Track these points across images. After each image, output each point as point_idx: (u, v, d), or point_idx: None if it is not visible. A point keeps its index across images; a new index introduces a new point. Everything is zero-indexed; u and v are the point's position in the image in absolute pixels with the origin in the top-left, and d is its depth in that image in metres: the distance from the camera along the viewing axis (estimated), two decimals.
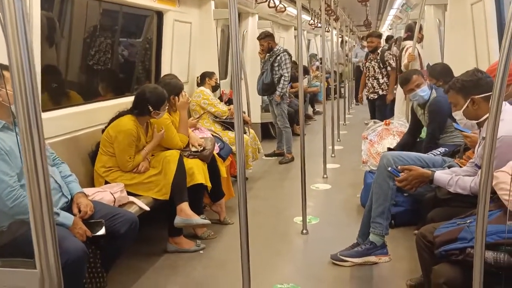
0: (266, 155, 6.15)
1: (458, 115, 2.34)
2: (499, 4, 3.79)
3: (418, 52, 5.85)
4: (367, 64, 6.31)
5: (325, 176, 5.12)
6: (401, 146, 3.77)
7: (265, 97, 6.44)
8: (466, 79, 2.29)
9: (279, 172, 5.53)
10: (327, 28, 7.80)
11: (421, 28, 5.94)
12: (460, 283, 1.80)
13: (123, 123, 3.14)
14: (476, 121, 2.30)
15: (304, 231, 3.60)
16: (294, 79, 8.24)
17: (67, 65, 3.69)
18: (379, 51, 6.24)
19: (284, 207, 4.24)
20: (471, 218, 1.97)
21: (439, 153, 3.03)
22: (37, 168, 1.00)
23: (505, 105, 2.26)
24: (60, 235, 2.12)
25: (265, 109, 7.02)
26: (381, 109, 6.19)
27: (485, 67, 3.00)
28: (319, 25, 8.14)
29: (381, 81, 6.17)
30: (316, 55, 12.65)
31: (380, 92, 6.18)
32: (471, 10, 4.26)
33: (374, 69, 6.19)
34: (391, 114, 5.89)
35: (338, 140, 7.13)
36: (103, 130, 3.22)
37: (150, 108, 3.18)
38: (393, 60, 6.11)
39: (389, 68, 6.07)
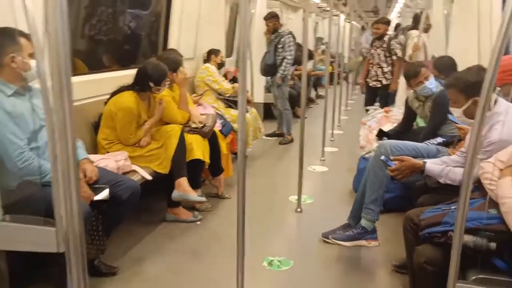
0: (267, 135, 6.25)
1: (456, 112, 2.40)
2: None
3: (424, 43, 5.89)
4: (372, 51, 6.11)
5: (322, 158, 5.24)
6: (395, 133, 3.85)
7: (269, 78, 6.50)
8: (471, 79, 2.28)
9: (278, 152, 5.65)
10: (335, 12, 7.81)
11: (428, 18, 5.96)
12: (440, 263, 1.92)
13: (124, 100, 3.18)
14: (474, 120, 2.36)
15: (299, 210, 3.73)
16: (298, 62, 8.30)
17: (73, 34, 3.74)
18: (385, 38, 6.01)
19: (281, 186, 4.36)
20: (456, 204, 2.08)
21: (436, 143, 3.11)
22: (66, 128, 1.09)
23: (505, 105, 2.32)
24: None
25: (268, 89, 7.09)
26: (384, 98, 6.08)
27: (487, 60, 3.04)
28: (328, 8, 8.15)
29: (385, 69, 5.98)
30: (322, 38, 12.63)
31: (384, 82, 5.99)
32: (477, 2, 4.30)
33: (379, 57, 5.99)
34: (392, 103, 5.94)
35: (339, 124, 7.22)
36: (105, 103, 3.26)
37: (151, 84, 3.22)
38: (400, 49, 6.01)
39: (394, 57, 5.90)
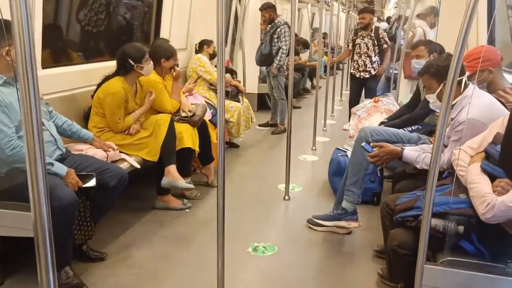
0: (260, 125, 6.32)
1: (431, 98, 2.48)
2: None
3: (424, 33, 5.90)
4: (358, 40, 5.97)
5: (313, 148, 5.31)
6: (395, 116, 3.88)
7: (263, 68, 6.55)
8: (441, 64, 2.41)
9: (270, 142, 5.71)
10: (329, 2, 7.84)
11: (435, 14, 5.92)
12: (411, 245, 1.99)
13: (111, 85, 3.24)
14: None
15: (287, 197, 3.81)
16: (294, 52, 8.33)
17: (65, 24, 3.79)
18: (373, 27, 5.95)
19: (271, 174, 4.43)
20: None
21: (411, 129, 3.19)
22: (32, 121, 1.14)
23: (474, 89, 2.41)
24: (53, 184, 2.34)
25: (262, 80, 7.14)
26: (372, 88, 6.03)
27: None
28: None
29: (373, 59, 5.91)
30: (318, 29, 12.63)
31: (372, 72, 5.92)
32: None
33: (367, 46, 5.89)
34: (375, 93, 5.95)
35: (332, 115, 7.28)
36: (92, 95, 3.32)
37: (131, 61, 3.24)
38: (387, 37, 5.96)
39: (385, 46, 5.88)
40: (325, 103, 6.46)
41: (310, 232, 3.22)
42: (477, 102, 2.32)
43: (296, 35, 9.34)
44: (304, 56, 9.68)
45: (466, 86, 2.37)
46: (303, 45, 8.89)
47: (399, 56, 6.55)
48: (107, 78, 3.30)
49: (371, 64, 5.92)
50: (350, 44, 6.16)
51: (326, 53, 8.65)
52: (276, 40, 5.75)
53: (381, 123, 3.98)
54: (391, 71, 6.75)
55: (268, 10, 5.81)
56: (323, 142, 5.69)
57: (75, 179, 2.53)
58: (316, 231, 3.22)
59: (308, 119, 6.04)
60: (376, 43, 5.87)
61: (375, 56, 5.91)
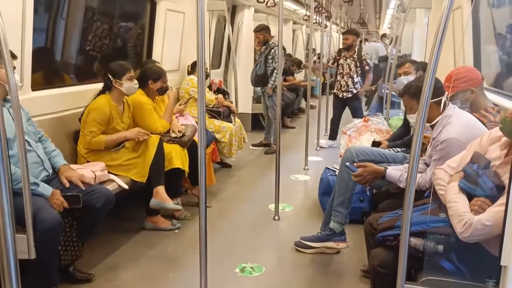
0: (253, 145, 6.35)
1: (412, 118, 2.52)
2: (475, 12, 3.96)
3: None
4: (341, 61, 6.12)
5: (306, 167, 5.33)
6: (393, 138, 3.93)
7: (257, 89, 6.61)
8: (420, 84, 2.44)
9: (263, 162, 5.73)
10: (319, 23, 7.97)
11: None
12: (391, 265, 1.99)
13: (96, 101, 3.28)
14: (429, 124, 2.48)
15: (276, 218, 3.81)
16: (287, 72, 8.43)
17: (57, 46, 3.84)
18: (356, 49, 6.10)
19: (262, 194, 4.43)
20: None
21: (399, 150, 3.22)
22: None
23: (454, 109, 2.45)
24: (38, 205, 2.35)
25: (256, 100, 7.21)
26: (357, 108, 6.15)
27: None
28: (320, 20, 8.30)
29: (355, 79, 6.04)
30: (314, 49, 12.77)
31: (354, 91, 6.05)
32: (452, 16, 4.42)
33: (349, 67, 6.03)
34: (362, 112, 6.11)
35: (326, 134, 7.31)
36: (79, 118, 3.33)
37: (110, 76, 3.27)
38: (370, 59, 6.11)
39: (366, 67, 6.02)
40: (317, 123, 6.50)
41: (298, 252, 3.21)
42: (457, 122, 2.36)
43: (290, 55, 9.48)
44: (299, 76, 9.77)
45: (446, 106, 2.40)
46: (297, 65, 8.99)
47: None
48: (94, 98, 3.34)
49: (353, 85, 6.07)
50: (331, 62, 6.35)
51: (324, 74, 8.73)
52: (270, 61, 5.83)
53: (374, 143, 4.01)
54: (383, 90, 6.81)
55: (262, 31, 5.90)
56: (316, 162, 5.71)
57: (60, 199, 2.54)
58: (303, 252, 3.21)
59: (302, 139, 6.07)
60: (358, 65, 6.02)
61: (357, 77, 6.05)
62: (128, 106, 3.51)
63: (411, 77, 3.80)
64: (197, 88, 4.94)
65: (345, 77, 6.08)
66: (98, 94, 3.35)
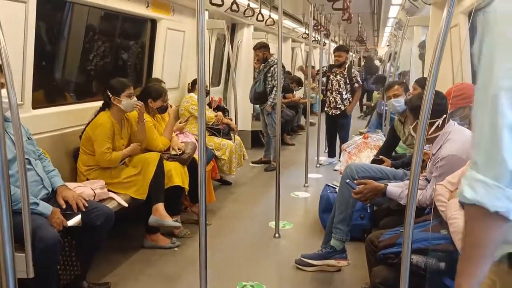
0: (253, 162, 6.35)
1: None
2: (472, 30, 3.99)
3: None
4: (332, 77, 6.12)
5: (306, 185, 5.31)
6: (384, 150, 3.96)
7: (257, 106, 6.64)
8: (416, 102, 2.47)
9: (263, 179, 5.72)
10: (318, 40, 8.05)
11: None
12: (393, 283, 1.97)
13: (98, 118, 3.29)
14: (427, 137, 2.48)
15: (277, 235, 3.79)
16: (286, 90, 8.47)
17: (58, 64, 3.87)
18: (346, 66, 6.13)
19: (262, 212, 4.41)
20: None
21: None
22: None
23: (454, 125, 2.46)
24: (37, 224, 2.34)
25: (256, 117, 7.23)
26: (343, 125, 6.16)
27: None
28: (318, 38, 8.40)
29: (344, 96, 6.03)
30: (313, 67, 12.85)
31: (343, 108, 6.04)
32: (449, 34, 4.46)
33: (338, 83, 6.03)
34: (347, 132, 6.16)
35: (325, 151, 7.30)
36: (80, 135, 3.34)
37: (109, 93, 3.28)
38: (360, 76, 6.14)
39: (356, 85, 6.05)
40: (317, 140, 6.51)
41: (299, 270, 3.18)
42: (457, 138, 2.36)
43: (289, 73, 9.54)
44: (299, 93, 9.82)
45: (445, 121, 2.41)
46: (296, 82, 9.04)
47: None
48: (95, 116, 3.34)
49: (342, 101, 6.06)
50: (320, 75, 6.41)
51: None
52: (270, 79, 5.86)
53: (376, 161, 4.01)
54: (382, 107, 6.84)
55: (262, 49, 5.94)
56: (316, 179, 5.70)
57: (60, 218, 2.53)
58: (304, 270, 3.18)
59: (302, 156, 6.07)
60: (348, 82, 6.03)
61: (346, 93, 6.04)
62: (127, 121, 3.51)
63: (400, 99, 3.85)
64: (197, 105, 5.00)
65: (334, 93, 6.08)
66: (99, 111, 3.36)
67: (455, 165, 2.25)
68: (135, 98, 3.39)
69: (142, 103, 3.46)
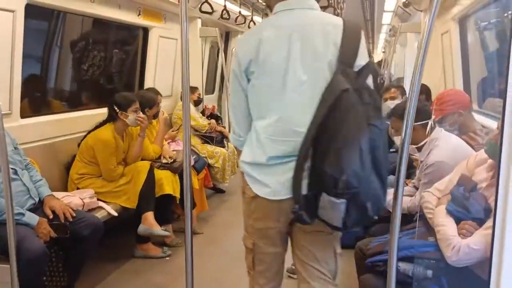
0: None
1: (399, 139, 2.51)
2: (463, 36, 4.01)
3: None
4: None
5: None
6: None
7: None
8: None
9: None
10: None
11: None
12: None
13: (101, 133, 3.29)
14: (416, 146, 2.47)
15: None
16: None
17: (49, 73, 3.85)
18: None
19: None
20: (400, 233, 2.14)
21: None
22: None
23: (441, 132, 2.45)
24: (22, 235, 2.31)
25: None
26: None
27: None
28: None
29: None
30: None
31: None
32: (441, 40, 4.47)
33: None
34: None
35: None
36: (79, 143, 3.34)
37: (116, 108, 3.29)
38: None
39: None
40: None
41: (291, 279, 3.14)
42: (444, 145, 2.35)
43: None
44: None
45: (433, 129, 2.40)
46: None
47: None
48: (98, 126, 3.34)
49: None
50: None
51: None
52: None
53: None
54: None
55: None
56: None
57: (46, 229, 2.50)
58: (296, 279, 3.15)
59: None
60: None
61: None
62: (127, 134, 3.51)
63: (397, 102, 3.85)
64: (182, 112, 4.99)
65: None
66: (101, 123, 3.36)
67: (442, 172, 2.24)
68: (141, 113, 3.41)
69: (145, 116, 3.47)
